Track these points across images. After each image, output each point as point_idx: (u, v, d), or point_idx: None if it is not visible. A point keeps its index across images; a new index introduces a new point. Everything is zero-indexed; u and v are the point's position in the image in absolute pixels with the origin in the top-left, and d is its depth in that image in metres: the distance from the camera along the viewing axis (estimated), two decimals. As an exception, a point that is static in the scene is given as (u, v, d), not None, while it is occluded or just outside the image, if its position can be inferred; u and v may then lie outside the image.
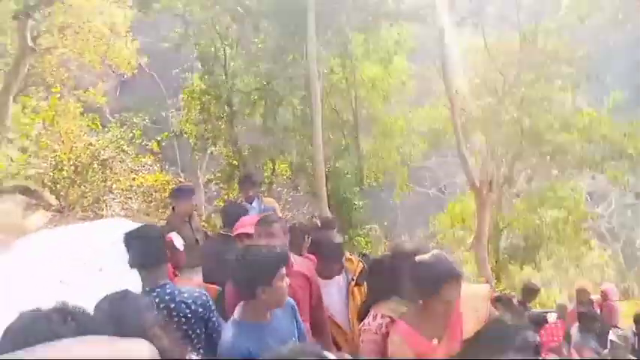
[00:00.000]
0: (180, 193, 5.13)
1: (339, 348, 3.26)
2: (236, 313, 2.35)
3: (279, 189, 14.75)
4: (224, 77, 12.27)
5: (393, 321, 2.41)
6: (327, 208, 11.74)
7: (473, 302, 2.36)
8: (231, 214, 4.25)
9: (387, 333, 2.39)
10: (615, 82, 16.70)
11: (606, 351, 5.31)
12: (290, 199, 14.87)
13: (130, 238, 2.61)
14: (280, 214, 6.10)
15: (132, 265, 2.55)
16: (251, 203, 5.78)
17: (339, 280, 3.49)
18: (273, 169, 14.01)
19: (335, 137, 14.44)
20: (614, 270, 18.81)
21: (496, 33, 14.13)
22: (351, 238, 13.50)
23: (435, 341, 2.24)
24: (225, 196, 13.35)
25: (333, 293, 3.41)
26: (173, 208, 5.14)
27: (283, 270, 2.29)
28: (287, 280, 2.32)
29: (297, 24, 10.87)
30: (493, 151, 14.75)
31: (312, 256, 3.44)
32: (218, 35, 12.09)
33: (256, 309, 2.31)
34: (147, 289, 2.52)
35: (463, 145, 13.73)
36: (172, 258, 3.16)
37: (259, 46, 11.93)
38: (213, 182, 13.90)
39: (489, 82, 14.51)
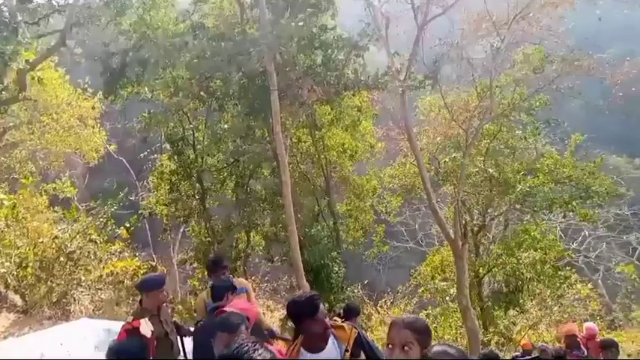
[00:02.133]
0: (147, 286, 4.69)
1: None
2: None
3: (255, 261, 14.55)
4: (193, 156, 12.29)
5: None
6: (304, 278, 11.53)
7: None
8: (218, 289, 4.62)
9: None
10: (580, 123, 17.34)
11: None
12: (268, 269, 14.66)
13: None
14: (253, 294, 5.94)
15: None
16: None
17: (331, 353, 3.12)
18: (248, 241, 13.85)
19: (308, 203, 14.45)
20: (598, 302, 18.94)
21: (453, 91, 14.61)
22: (331, 303, 13.28)
23: None
24: (199, 275, 13.07)
25: None
26: (140, 302, 4.73)
27: None
28: None
29: (261, 101, 11.04)
30: (464, 201, 14.94)
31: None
32: (186, 117, 12.22)
33: None
34: None
35: (433, 199, 13.87)
36: None
37: (225, 125, 12.06)
38: (188, 262, 13.62)
39: (453, 138, 14.87)
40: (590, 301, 18.65)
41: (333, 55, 11.29)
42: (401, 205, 16.92)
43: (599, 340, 7.83)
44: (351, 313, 6.49)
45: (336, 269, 13.46)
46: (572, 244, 21.02)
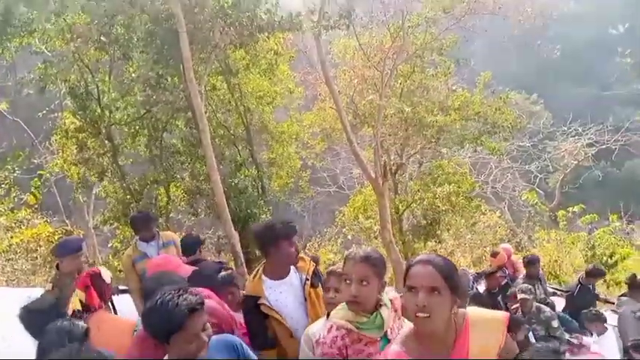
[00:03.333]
0: (63, 250, 4.39)
1: (287, 355, 3.02)
2: None
3: (178, 217, 14.14)
4: (100, 111, 11.41)
5: (348, 332, 2.26)
6: (232, 228, 11.41)
7: (488, 329, 1.95)
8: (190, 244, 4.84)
9: (344, 346, 2.25)
10: (483, 64, 18.14)
11: None
12: (191, 224, 14.32)
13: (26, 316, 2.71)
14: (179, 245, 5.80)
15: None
16: (148, 242, 5.44)
17: (293, 279, 3.21)
18: (168, 197, 13.37)
19: (229, 153, 14.10)
20: (505, 228, 20.67)
21: (367, 33, 14.61)
22: (263, 252, 13.34)
23: None
24: (121, 236, 12.51)
25: (286, 295, 3.13)
26: (57, 267, 4.40)
27: (202, 314, 2.15)
28: (207, 327, 2.18)
29: (170, 47, 10.36)
30: (382, 142, 15.33)
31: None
32: (87, 68, 11.19)
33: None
34: None
35: (354, 141, 14.10)
36: (100, 290, 3.28)
37: (133, 74, 11.21)
38: (107, 223, 12.92)
39: (369, 79, 15.02)
40: (498, 228, 20.29)
41: (243, -4, 10.76)
42: (323, 150, 17.05)
43: (514, 258, 8.57)
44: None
45: (264, 217, 13.42)
46: (481, 176, 22.54)
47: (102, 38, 9.96)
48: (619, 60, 20.94)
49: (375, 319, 2.28)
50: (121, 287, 6.29)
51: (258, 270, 3.24)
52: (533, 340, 5.61)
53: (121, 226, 12.44)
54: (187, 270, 3.47)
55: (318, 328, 2.49)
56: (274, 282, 3.14)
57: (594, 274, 7.10)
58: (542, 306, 6.15)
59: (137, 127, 11.97)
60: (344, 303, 2.38)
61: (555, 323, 5.94)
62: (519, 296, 6.05)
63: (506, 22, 14.85)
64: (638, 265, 14.89)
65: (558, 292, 7.99)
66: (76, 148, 12.09)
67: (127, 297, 5.38)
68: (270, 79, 13.66)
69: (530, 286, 6.28)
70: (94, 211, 14.10)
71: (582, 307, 6.48)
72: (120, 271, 10.83)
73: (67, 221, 13.66)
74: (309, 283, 3.21)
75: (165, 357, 2.16)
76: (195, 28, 10.19)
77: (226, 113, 13.92)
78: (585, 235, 17.21)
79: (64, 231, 11.65)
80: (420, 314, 1.82)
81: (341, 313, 2.35)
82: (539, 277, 7.36)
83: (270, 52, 12.98)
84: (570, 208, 17.84)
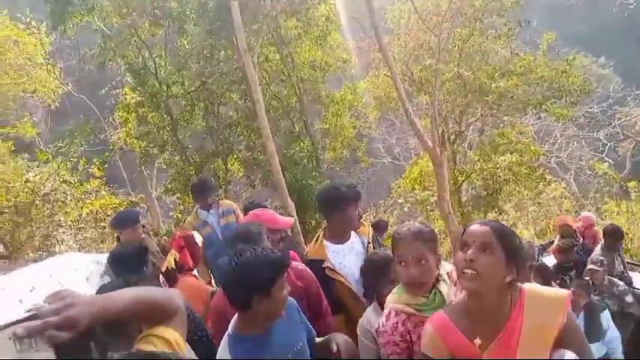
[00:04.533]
0: (121, 223, 4.54)
1: (353, 319, 2.91)
2: (231, 327, 2.12)
3: (237, 188, 14.41)
4: (158, 86, 11.71)
5: (409, 317, 2.12)
6: (289, 198, 11.51)
7: (546, 307, 1.76)
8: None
9: (407, 331, 2.10)
10: (546, 26, 17.06)
11: None
12: (248, 195, 14.57)
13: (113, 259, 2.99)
14: (241, 214, 5.88)
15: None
16: (208, 211, 5.50)
17: (354, 243, 3.15)
18: (226, 168, 13.64)
19: (284, 125, 14.16)
20: (571, 200, 19.67)
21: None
22: (318, 222, 13.42)
23: (479, 341, 1.76)
24: (181, 207, 12.94)
25: (349, 259, 3.06)
26: (118, 239, 4.63)
27: (283, 278, 2.06)
28: (287, 287, 2.10)
29: (222, 19, 10.39)
30: (440, 109, 14.85)
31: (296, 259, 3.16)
32: (143, 44, 11.47)
33: (253, 321, 2.07)
34: None
35: (410, 109, 13.73)
36: (192, 251, 3.41)
37: (187, 47, 11.37)
38: (168, 194, 13.39)
39: (425, 45, 14.48)
40: (564, 199, 19.35)
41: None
42: (377, 119, 16.76)
43: (596, 228, 7.98)
44: (380, 227, 6.73)
45: (318, 187, 13.46)
46: (545, 145, 21.45)
47: (156, 11, 10.11)
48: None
49: (434, 298, 2.12)
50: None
51: (318, 235, 3.19)
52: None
53: (182, 197, 12.84)
54: (285, 221, 3.34)
55: (373, 317, 2.38)
56: (337, 246, 3.09)
57: None
58: (615, 279, 5.73)
59: (194, 100, 12.19)
60: (398, 287, 2.22)
61: (630, 298, 5.52)
62: (589, 267, 5.67)
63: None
64: None
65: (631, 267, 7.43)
66: (137, 123, 12.51)
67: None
68: (322, 47, 13.44)
69: (602, 257, 5.86)
70: (157, 183, 14.62)
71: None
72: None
73: (131, 193, 14.26)
74: (371, 246, 3.16)
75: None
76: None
77: (279, 84, 13.91)
78: (659, 206, 16.08)
79: (129, 202, 12.18)
80: (467, 270, 1.70)
81: (397, 296, 2.19)
82: (618, 250, 6.79)
83: (322, 19, 12.73)
84: (647, 179, 16.66)
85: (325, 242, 3.12)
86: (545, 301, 1.78)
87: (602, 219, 18.59)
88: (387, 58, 13.21)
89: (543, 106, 15.05)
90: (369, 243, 3.17)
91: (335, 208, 3.08)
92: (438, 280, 2.17)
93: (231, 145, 13.47)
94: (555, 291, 1.87)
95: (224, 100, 12.56)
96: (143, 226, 5.07)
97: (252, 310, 1.99)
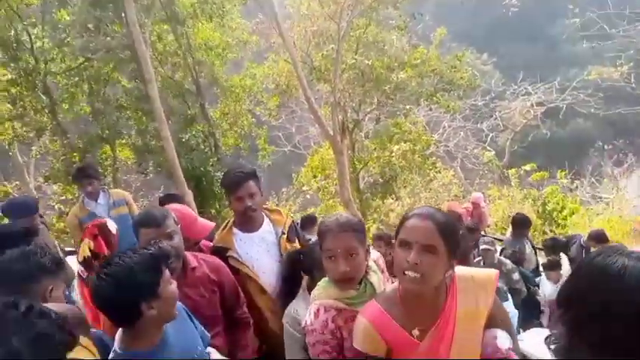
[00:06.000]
0: (15, 209, 3.99)
1: (262, 320, 2.76)
2: (117, 344, 1.79)
3: (125, 177, 13.40)
4: (34, 62, 10.40)
5: (339, 311, 1.95)
6: (185, 185, 10.90)
7: (476, 289, 1.72)
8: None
9: (337, 327, 1.93)
10: (435, 21, 17.89)
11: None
12: (139, 184, 13.63)
13: None
14: (135, 205, 5.38)
15: None
16: (96, 200, 4.97)
17: (266, 233, 2.92)
18: (114, 155, 12.60)
19: (178, 108, 13.35)
20: (458, 186, 21.01)
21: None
22: (219, 212, 12.91)
23: (416, 332, 1.69)
24: (63, 197, 11.73)
25: (258, 249, 2.85)
26: None
27: (166, 273, 1.80)
28: (173, 282, 1.84)
29: (108, -12, 9.47)
30: (339, 98, 15.00)
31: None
32: (16, 15, 10.10)
33: (143, 331, 1.77)
34: None
35: (311, 97, 13.69)
36: (107, 239, 3.26)
37: (68, 19, 10.21)
38: (47, 183, 12.05)
39: (325, 32, 14.51)
40: (452, 186, 20.60)
41: None
42: (277, 107, 16.52)
43: (483, 207, 8.45)
44: (309, 222, 6.38)
45: (218, 175, 12.93)
46: (435, 135, 22.67)
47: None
48: (567, 21, 21.43)
49: (365, 289, 1.98)
50: (68, 249, 5.78)
51: (228, 221, 2.96)
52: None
53: (64, 186, 11.63)
54: (204, 226, 2.98)
55: (301, 306, 2.21)
56: (246, 234, 2.87)
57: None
58: (503, 259, 6.09)
59: (77, 79, 11.03)
60: (324, 280, 2.05)
61: (516, 276, 5.89)
62: (482, 247, 5.97)
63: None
64: (583, 219, 15.46)
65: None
66: (10, 103, 11.08)
67: (73, 259, 4.88)
68: (220, 27, 12.85)
69: (492, 239, 6.19)
70: (35, 171, 13.12)
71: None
72: (66, 232, 10.16)
73: (5, 183, 12.63)
74: (284, 237, 2.93)
75: None
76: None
77: (173, 65, 13.09)
78: (536, 191, 17.70)
79: (3, 192, 10.75)
80: (410, 273, 1.60)
81: (323, 291, 2.02)
82: (527, 237, 7.08)
83: (221, -7, 12.14)
84: (523, 167, 18.24)
85: (234, 229, 2.89)
86: (476, 283, 1.74)
87: (486, 203, 20.08)
88: (287, 43, 13.02)
89: (434, 98, 15.84)
90: (283, 234, 2.95)
91: (227, 197, 2.92)
92: (366, 271, 2.03)
93: (119, 130, 12.46)
94: (484, 272, 1.83)
95: (111, 80, 11.52)
96: (41, 216, 4.46)
97: (142, 319, 1.72)
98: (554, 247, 6.60)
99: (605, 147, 25.90)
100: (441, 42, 17.21)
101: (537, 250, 7.09)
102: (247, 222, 2.87)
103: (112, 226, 3.45)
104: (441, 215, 1.67)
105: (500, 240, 7.97)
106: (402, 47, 15.63)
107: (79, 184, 5.15)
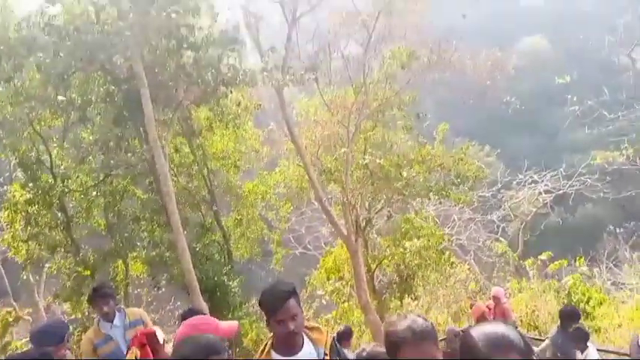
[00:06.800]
0: (42, 339, 3.62)
1: None
2: None
3: (137, 291, 13.00)
4: (52, 181, 10.50)
5: None
6: (201, 299, 10.49)
7: None
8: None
9: None
10: (436, 119, 18.53)
11: None
12: (150, 299, 13.18)
13: None
14: (151, 323, 5.06)
15: None
16: (112, 321, 4.58)
17: (308, 355, 2.64)
18: (127, 270, 12.32)
19: (192, 218, 13.32)
20: (475, 281, 20.37)
21: (329, 90, 14.68)
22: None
23: None
24: (73, 316, 11.27)
25: None
26: None
27: None
28: None
29: (130, 108, 9.82)
30: (350, 198, 15.05)
31: None
32: (38, 136, 10.40)
33: None
34: None
35: (324, 197, 13.73)
36: (153, 348, 3.25)
37: (90, 138, 10.50)
38: (56, 302, 11.63)
39: (334, 136, 14.92)
40: (469, 282, 19.99)
41: (205, 54, 10.50)
42: (289, 210, 16.54)
43: (505, 302, 8.13)
44: (346, 336, 6.22)
45: (232, 285, 12.57)
46: (445, 229, 22.46)
47: (59, 97, 9.24)
48: (566, 109, 22.28)
49: None
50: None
51: (265, 344, 2.72)
52: None
53: (74, 304, 11.21)
54: (227, 329, 2.82)
55: None
56: (287, 358, 2.61)
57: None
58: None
59: (94, 194, 11.08)
60: None
61: None
62: None
63: (455, 78, 15.38)
64: (610, 309, 14.80)
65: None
66: (25, 223, 11.02)
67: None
68: (234, 139, 13.21)
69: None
70: (45, 290, 12.72)
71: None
72: (81, 355, 9.58)
73: (14, 304, 12.19)
74: (327, 357, 2.72)
75: None
76: (157, 87, 9.74)
77: (189, 176, 13.26)
78: (556, 282, 17.14)
79: (14, 316, 10.32)
80: None
81: None
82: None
83: (236, 104, 12.60)
84: (540, 256, 17.85)
85: (273, 354, 2.62)
86: None
87: (507, 297, 19.37)
88: (298, 147, 13.32)
89: (444, 192, 15.89)
90: (326, 355, 2.71)
91: (268, 319, 2.60)
92: None
93: (133, 243, 12.30)
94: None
95: (127, 193, 11.59)
96: (68, 348, 4.05)
97: None
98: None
99: (618, 230, 25.60)
100: (445, 138, 17.65)
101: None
102: (288, 345, 2.60)
103: (160, 335, 3.47)
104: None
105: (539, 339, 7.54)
106: (409, 145, 15.99)
107: (95, 304, 4.85)
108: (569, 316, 6.15)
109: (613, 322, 14.17)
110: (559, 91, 24.45)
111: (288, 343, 2.59)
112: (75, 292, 11.23)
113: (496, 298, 8.00)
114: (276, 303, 2.53)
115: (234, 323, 2.91)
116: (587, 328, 5.97)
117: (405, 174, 15.12)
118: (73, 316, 11.75)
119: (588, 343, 5.72)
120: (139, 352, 3.19)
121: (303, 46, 12.84)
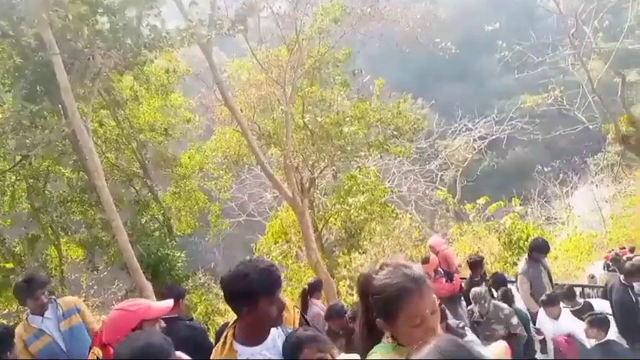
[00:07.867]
0: None
1: None
2: None
3: (74, 276, 12.28)
4: (-38, 167, 9.45)
5: None
6: (144, 277, 9.98)
7: None
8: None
9: None
10: (370, 74, 18.36)
11: None
12: (92, 283, 12.49)
13: None
14: (89, 311, 4.70)
15: None
16: (42, 315, 4.24)
17: (274, 340, 2.33)
18: (60, 256, 11.53)
19: (126, 195, 12.56)
20: (419, 229, 20.98)
21: (261, 47, 14.05)
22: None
23: None
24: (5, 311, 10.47)
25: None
26: None
27: None
28: None
29: (43, 80, 8.87)
30: (292, 160, 14.77)
31: None
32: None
33: None
34: None
35: (265, 162, 13.38)
36: None
37: (0, 117, 9.45)
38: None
39: (270, 97, 14.42)
40: (412, 231, 20.53)
41: (121, 16, 9.57)
42: (230, 178, 16.06)
43: (444, 250, 8.03)
44: (316, 288, 6.24)
45: (176, 258, 12.12)
46: (386, 182, 22.82)
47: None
48: (496, 56, 22.82)
49: None
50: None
51: (226, 335, 2.36)
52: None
53: (2, 300, 10.40)
54: (159, 309, 2.72)
55: None
56: (251, 348, 2.28)
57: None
58: (499, 304, 5.84)
59: (14, 178, 10.11)
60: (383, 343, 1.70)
61: (514, 320, 5.65)
62: (471, 295, 5.80)
63: (387, 31, 15.20)
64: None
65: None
66: None
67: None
68: (163, 109, 12.40)
69: (481, 290, 5.91)
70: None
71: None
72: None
73: None
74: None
75: None
76: (71, 56, 8.81)
77: (117, 151, 12.40)
78: (496, 223, 17.87)
79: None
80: None
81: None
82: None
83: (162, 72, 11.75)
84: (479, 201, 18.51)
85: (235, 345, 2.28)
86: None
87: (450, 242, 20.18)
88: (234, 111, 12.73)
89: (385, 146, 15.96)
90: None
91: (243, 303, 2.26)
92: None
93: (64, 226, 11.47)
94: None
95: (53, 175, 10.68)
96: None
97: None
98: None
99: (546, 169, 27.14)
100: (381, 92, 17.59)
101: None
102: (257, 332, 2.31)
103: None
104: None
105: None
106: (346, 102, 15.81)
107: (24, 298, 4.37)
108: (540, 247, 6.40)
109: (550, 254, 15.09)
110: (488, 39, 24.95)
111: (268, 328, 2.31)
112: (3, 285, 10.40)
113: (432, 248, 7.83)
114: (278, 282, 2.26)
115: (168, 302, 2.86)
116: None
117: (345, 130, 15.00)
118: (6, 311, 10.95)
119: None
120: (100, 352, 2.92)
121: (230, 5, 12.01)
